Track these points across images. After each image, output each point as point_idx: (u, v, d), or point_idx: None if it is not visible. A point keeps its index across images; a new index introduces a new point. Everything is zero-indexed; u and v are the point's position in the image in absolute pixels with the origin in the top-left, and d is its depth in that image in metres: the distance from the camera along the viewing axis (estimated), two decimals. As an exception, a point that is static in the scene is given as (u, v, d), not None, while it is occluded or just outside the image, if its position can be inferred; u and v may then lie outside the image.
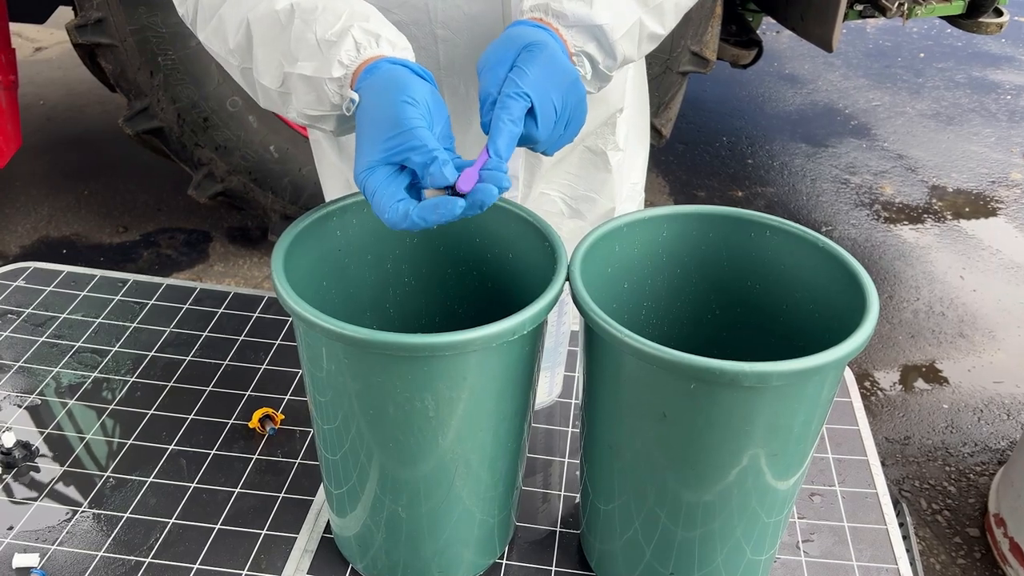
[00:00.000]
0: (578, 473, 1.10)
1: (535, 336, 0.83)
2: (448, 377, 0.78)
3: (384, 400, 0.80)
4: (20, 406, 1.17)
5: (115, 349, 1.27)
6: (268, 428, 1.13)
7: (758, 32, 3.34)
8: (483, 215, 0.91)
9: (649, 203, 3.49)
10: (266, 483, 1.07)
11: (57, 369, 1.23)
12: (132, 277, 1.41)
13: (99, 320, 1.32)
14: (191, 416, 1.16)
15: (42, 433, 1.13)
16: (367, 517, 0.91)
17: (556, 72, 0.82)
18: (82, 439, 1.12)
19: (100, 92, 3.41)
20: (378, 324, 0.99)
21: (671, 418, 0.79)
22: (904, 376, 2.71)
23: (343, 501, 0.92)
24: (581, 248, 0.87)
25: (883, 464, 2.23)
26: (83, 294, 1.37)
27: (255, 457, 1.10)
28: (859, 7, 3.09)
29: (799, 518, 1.05)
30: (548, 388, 1.19)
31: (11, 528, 1.00)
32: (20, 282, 1.39)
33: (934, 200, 3.59)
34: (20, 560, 0.95)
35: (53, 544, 0.98)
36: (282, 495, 1.05)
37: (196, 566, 0.96)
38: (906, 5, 3.00)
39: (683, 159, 3.82)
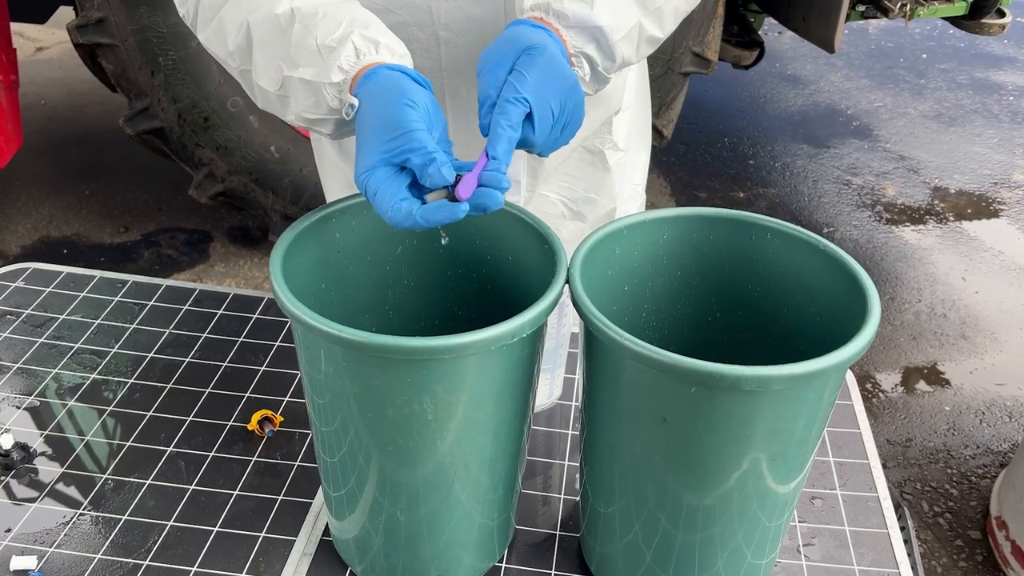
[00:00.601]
0: (578, 476, 1.10)
1: (535, 339, 0.83)
2: (447, 380, 0.78)
3: (383, 403, 0.79)
4: (19, 407, 1.16)
5: (114, 350, 1.26)
6: (267, 430, 1.13)
7: (760, 33, 3.33)
8: (483, 217, 0.91)
9: (650, 204, 3.48)
10: (265, 485, 1.07)
11: (56, 370, 1.22)
12: (131, 278, 1.41)
13: (98, 321, 1.31)
14: (190, 418, 1.16)
15: (41, 434, 1.12)
16: (366, 520, 0.90)
17: (555, 76, 0.82)
18: (81, 440, 1.12)
19: (101, 92, 3.41)
20: (377, 326, 0.99)
21: (671, 422, 0.79)
22: (905, 378, 2.70)
23: (342, 504, 0.92)
24: (581, 250, 0.86)
25: (884, 466, 2.23)
26: (82, 295, 1.36)
27: (254, 459, 1.10)
28: (861, 8, 3.09)
29: (800, 522, 1.05)
30: (548, 390, 1.19)
31: (9, 530, 1.00)
32: (19, 283, 1.39)
33: (936, 201, 3.59)
34: (18, 562, 0.95)
35: (51, 546, 0.98)
36: (281, 497, 1.05)
37: (194, 569, 0.96)
38: (908, 6, 3.00)
39: (685, 160, 3.82)
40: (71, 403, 1.17)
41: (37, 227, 3.21)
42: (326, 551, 0.99)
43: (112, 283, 1.39)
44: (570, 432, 1.17)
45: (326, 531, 1.02)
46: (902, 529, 1.06)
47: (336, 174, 1.22)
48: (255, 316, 1.34)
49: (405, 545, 0.91)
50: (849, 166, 3.81)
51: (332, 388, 0.82)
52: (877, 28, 5.16)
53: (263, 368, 1.24)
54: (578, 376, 1.25)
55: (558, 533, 1.03)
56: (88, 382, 1.21)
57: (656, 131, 2.92)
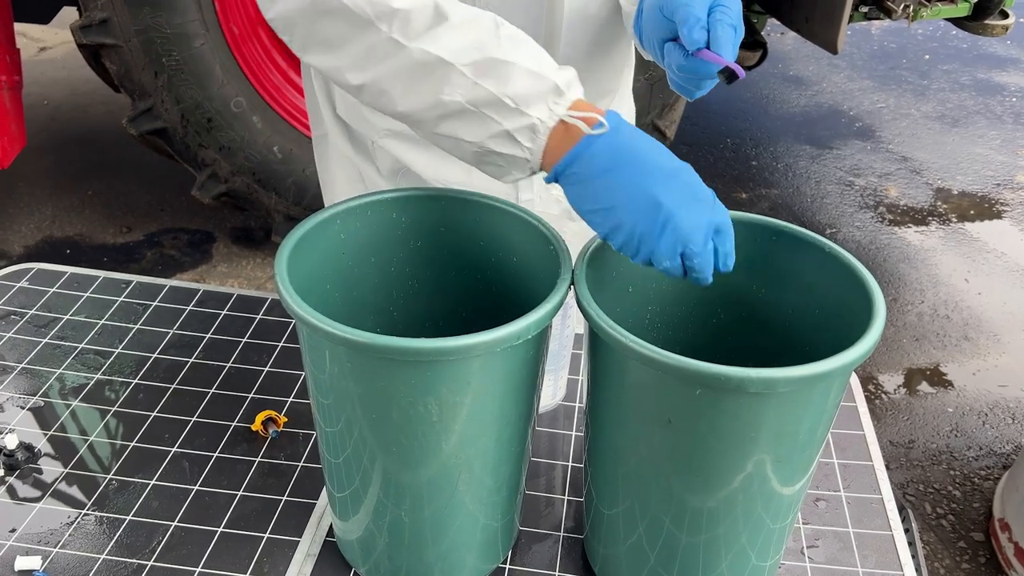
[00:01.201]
0: (582, 477, 1.10)
1: (539, 340, 0.83)
2: (451, 381, 0.78)
3: (387, 404, 0.79)
4: (23, 407, 1.16)
5: (118, 350, 1.26)
6: (271, 431, 1.13)
7: (763, 34, 3.33)
8: (487, 217, 0.91)
9: (653, 205, 3.47)
10: (269, 486, 1.07)
11: (60, 370, 1.23)
12: (135, 279, 1.41)
13: (102, 321, 1.32)
14: (194, 418, 1.16)
15: (45, 435, 1.12)
16: (370, 521, 0.91)
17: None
18: (85, 441, 1.12)
19: (104, 92, 3.41)
20: (382, 328, 0.99)
21: (676, 424, 0.78)
22: (908, 379, 2.70)
23: (346, 505, 0.92)
24: (585, 252, 0.86)
25: (887, 468, 2.22)
26: (86, 295, 1.37)
27: (258, 460, 1.10)
28: (864, 9, 3.09)
29: (804, 523, 1.05)
30: (552, 392, 1.19)
31: (13, 530, 1.00)
32: (24, 283, 1.39)
33: (939, 202, 3.58)
34: (23, 563, 0.95)
35: (56, 547, 0.98)
36: (285, 498, 1.05)
37: (199, 569, 0.96)
38: (911, 7, 3.00)
39: (687, 160, 3.80)
40: (75, 403, 1.17)
41: (40, 227, 3.22)
42: (330, 552, 1.00)
43: (116, 283, 1.40)
44: (574, 433, 1.17)
45: (330, 532, 1.02)
46: (906, 531, 1.06)
47: (345, 165, 1.20)
48: (259, 317, 1.34)
49: (409, 546, 0.91)
50: (852, 167, 3.80)
51: (336, 389, 0.82)
52: (880, 29, 5.15)
53: (267, 369, 1.24)
54: (582, 377, 1.25)
55: (562, 534, 1.03)
56: (92, 382, 1.21)
57: (659, 132, 2.92)
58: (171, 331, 1.30)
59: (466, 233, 0.95)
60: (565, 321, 1.11)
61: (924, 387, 2.67)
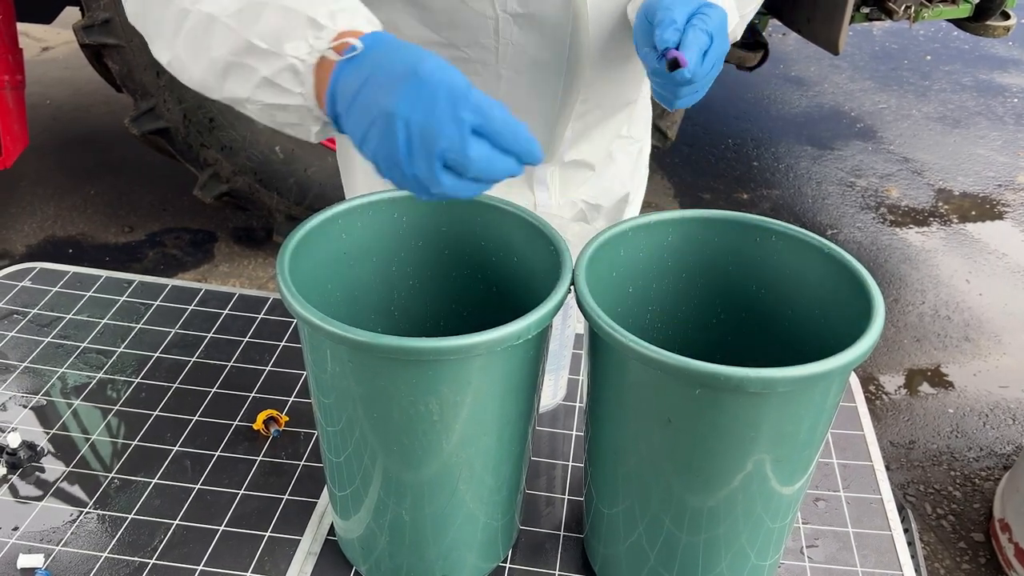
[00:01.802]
0: (582, 477, 1.10)
1: (540, 340, 0.83)
2: (452, 381, 0.78)
3: (388, 403, 0.80)
4: (25, 406, 1.17)
5: (120, 350, 1.27)
6: (272, 430, 1.13)
7: (764, 34, 3.33)
8: (488, 217, 0.91)
9: (654, 205, 3.49)
10: (270, 485, 1.07)
11: (62, 370, 1.23)
12: (137, 278, 1.41)
13: (104, 321, 1.32)
14: (196, 417, 1.16)
15: (47, 433, 1.13)
16: (371, 520, 0.91)
17: (725, 27, 0.91)
18: (87, 440, 1.12)
19: (106, 92, 3.42)
20: (383, 327, 0.99)
21: (676, 423, 0.79)
22: (909, 380, 2.70)
23: (347, 504, 0.92)
24: (586, 252, 0.87)
25: (887, 468, 2.22)
26: (89, 295, 1.37)
27: (259, 459, 1.10)
28: (865, 10, 3.09)
29: (803, 523, 1.05)
30: (552, 391, 1.19)
31: (16, 528, 1.00)
32: (26, 282, 1.39)
33: (940, 203, 3.58)
34: (25, 560, 0.96)
35: (58, 545, 0.98)
36: (286, 497, 1.05)
37: (200, 568, 0.96)
38: (913, 8, 3.00)
39: (688, 161, 3.82)
40: (77, 402, 1.18)
41: (43, 227, 3.22)
42: (331, 551, 1.00)
43: (118, 283, 1.40)
44: (574, 433, 1.18)
45: (331, 531, 1.02)
46: (905, 531, 1.06)
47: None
48: (260, 316, 1.35)
49: (410, 545, 0.91)
50: (853, 168, 3.81)
51: (338, 388, 0.82)
52: (881, 30, 5.16)
53: (268, 368, 1.25)
54: (582, 377, 1.25)
55: (562, 534, 1.03)
56: (94, 381, 1.21)
57: (660, 132, 2.92)
58: (173, 330, 1.31)
59: (467, 233, 0.95)
60: (566, 321, 1.11)
61: (925, 388, 2.67)
